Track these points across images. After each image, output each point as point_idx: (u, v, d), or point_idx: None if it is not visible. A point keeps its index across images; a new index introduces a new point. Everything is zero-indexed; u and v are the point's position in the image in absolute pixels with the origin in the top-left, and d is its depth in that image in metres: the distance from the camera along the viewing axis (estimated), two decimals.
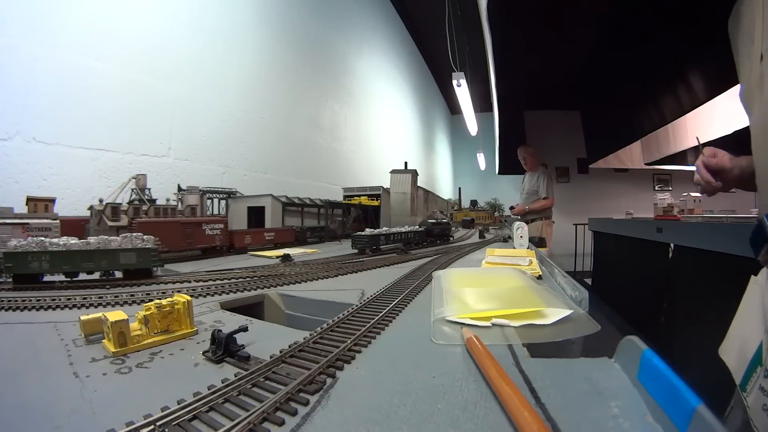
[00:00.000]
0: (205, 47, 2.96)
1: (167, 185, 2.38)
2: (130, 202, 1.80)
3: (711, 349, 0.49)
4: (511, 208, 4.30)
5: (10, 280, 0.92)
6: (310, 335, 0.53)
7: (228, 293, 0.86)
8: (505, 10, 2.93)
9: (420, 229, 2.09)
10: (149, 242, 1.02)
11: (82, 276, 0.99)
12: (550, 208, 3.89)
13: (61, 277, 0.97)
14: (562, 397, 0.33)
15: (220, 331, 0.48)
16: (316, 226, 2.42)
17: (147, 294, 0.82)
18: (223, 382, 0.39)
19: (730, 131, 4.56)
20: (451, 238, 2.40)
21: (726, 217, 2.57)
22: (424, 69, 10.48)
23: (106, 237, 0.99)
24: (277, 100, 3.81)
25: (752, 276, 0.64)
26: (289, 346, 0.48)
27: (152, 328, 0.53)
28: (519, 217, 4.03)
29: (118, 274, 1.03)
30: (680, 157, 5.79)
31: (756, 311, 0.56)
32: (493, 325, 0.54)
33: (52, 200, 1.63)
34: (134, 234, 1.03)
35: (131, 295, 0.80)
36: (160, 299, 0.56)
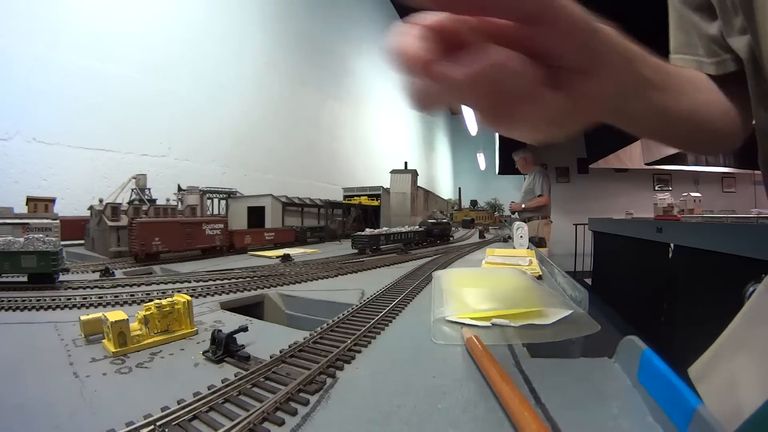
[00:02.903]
0: (206, 47, 2.96)
1: (167, 185, 2.38)
2: (130, 202, 1.80)
3: None
4: (512, 203, 4.39)
5: None
6: (310, 335, 0.53)
7: (228, 293, 0.86)
8: None
9: (420, 229, 2.09)
10: (50, 244, 0.90)
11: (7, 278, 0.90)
12: (545, 206, 3.90)
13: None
14: (562, 397, 0.33)
15: (220, 331, 0.48)
16: (316, 226, 2.42)
17: (147, 294, 0.82)
18: (223, 382, 0.39)
19: None
20: (451, 238, 2.40)
21: (726, 217, 2.57)
22: None
23: (11, 238, 0.90)
24: (277, 100, 3.81)
25: (757, 284, 0.43)
26: (289, 346, 0.48)
27: (152, 328, 0.53)
28: (517, 216, 4.06)
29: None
30: (680, 157, 5.80)
31: None
32: (493, 325, 0.54)
33: (52, 200, 1.63)
34: (36, 236, 0.92)
35: (131, 295, 0.80)
36: (160, 299, 0.56)
